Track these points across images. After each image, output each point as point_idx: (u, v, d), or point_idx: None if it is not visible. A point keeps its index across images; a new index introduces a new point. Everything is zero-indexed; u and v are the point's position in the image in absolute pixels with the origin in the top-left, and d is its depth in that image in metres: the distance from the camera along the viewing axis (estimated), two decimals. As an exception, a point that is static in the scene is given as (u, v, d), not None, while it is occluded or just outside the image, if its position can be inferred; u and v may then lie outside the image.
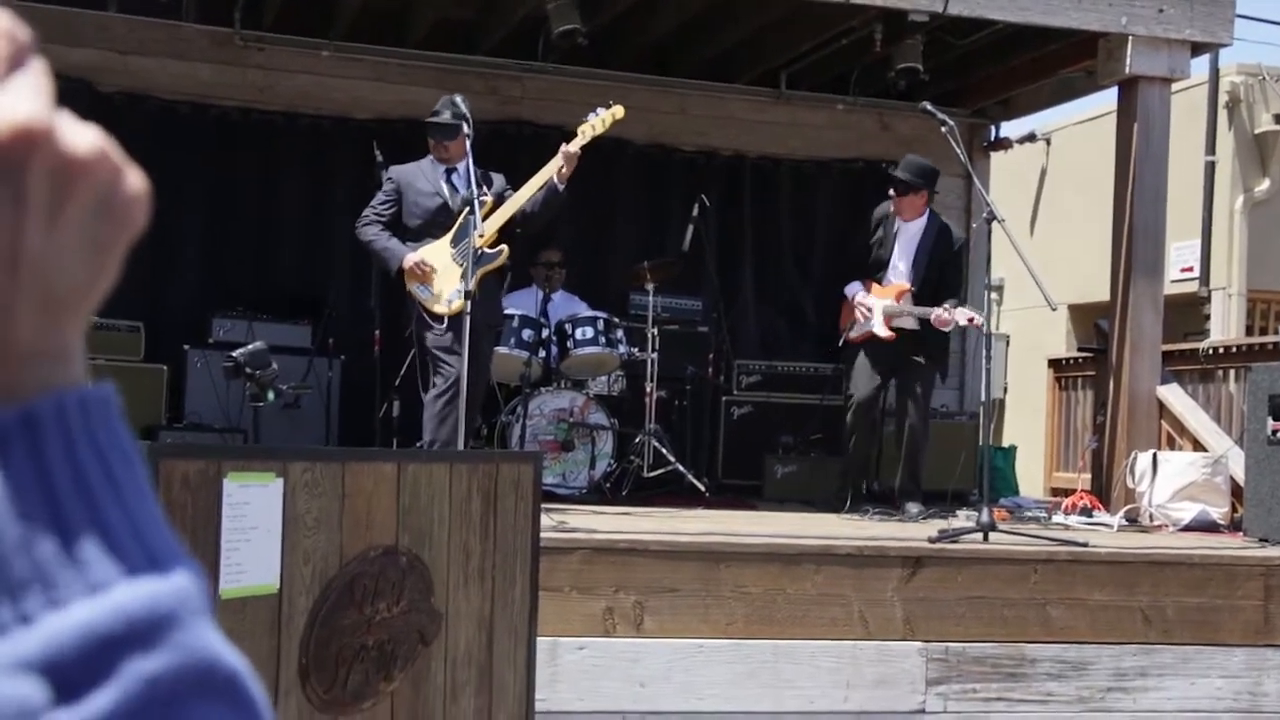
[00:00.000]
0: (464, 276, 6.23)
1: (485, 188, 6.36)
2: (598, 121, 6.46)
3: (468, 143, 6.27)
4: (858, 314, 7.30)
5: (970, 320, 6.91)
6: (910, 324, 7.22)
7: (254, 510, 2.83)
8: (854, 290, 7.36)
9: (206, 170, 8.66)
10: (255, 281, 8.63)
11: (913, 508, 7.11)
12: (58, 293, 0.62)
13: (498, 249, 6.38)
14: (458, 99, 6.56)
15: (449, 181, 6.57)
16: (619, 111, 6.48)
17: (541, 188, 6.41)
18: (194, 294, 8.51)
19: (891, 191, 7.30)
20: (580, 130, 6.46)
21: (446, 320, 6.33)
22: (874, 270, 7.35)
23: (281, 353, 7.77)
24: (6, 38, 0.61)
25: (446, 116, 6.49)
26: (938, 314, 7.04)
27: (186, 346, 7.97)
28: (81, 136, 0.61)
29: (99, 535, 0.61)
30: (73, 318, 0.64)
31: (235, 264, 8.69)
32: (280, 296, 8.48)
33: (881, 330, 7.23)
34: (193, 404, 7.87)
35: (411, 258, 6.45)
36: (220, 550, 2.75)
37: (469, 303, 6.05)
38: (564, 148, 6.36)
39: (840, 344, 7.60)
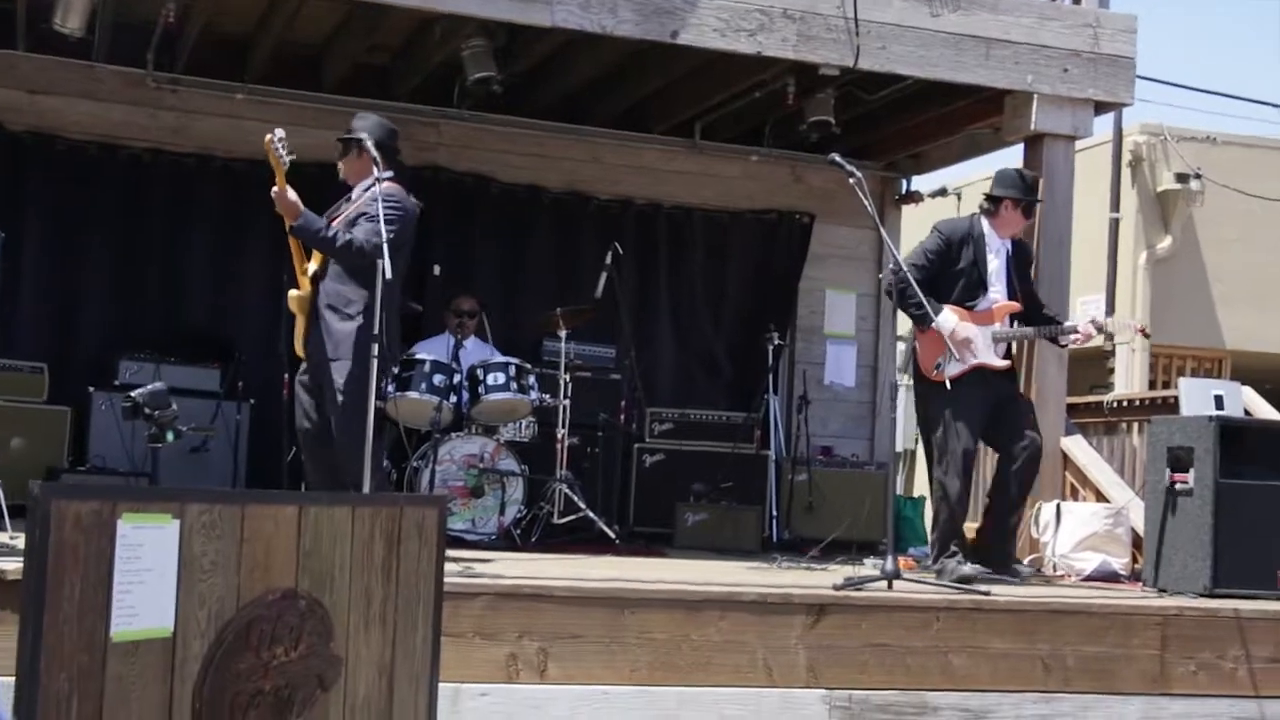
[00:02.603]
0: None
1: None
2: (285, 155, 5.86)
3: (373, 167, 5.98)
4: (954, 349, 6.54)
5: (1141, 330, 6.51)
6: (1002, 350, 6.71)
7: (148, 552, 2.80)
8: (950, 324, 6.54)
9: (116, 211, 8.57)
10: (164, 324, 8.54)
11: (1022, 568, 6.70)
12: None
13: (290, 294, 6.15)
14: (370, 118, 6.26)
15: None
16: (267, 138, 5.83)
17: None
18: (101, 336, 8.41)
19: (986, 207, 6.78)
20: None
21: (302, 363, 6.26)
22: (967, 295, 6.70)
23: (190, 396, 7.71)
24: None
25: (356, 132, 6.16)
26: (1086, 327, 6.61)
27: (91, 389, 7.87)
28: None
29: None
30: None
31: (144, 306, 8.59)
32: (190, 339, 8.40)
33: (995, 359, 6.66)
34: (97, 447, 7.76)
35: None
36: (113, 592, 2.71)
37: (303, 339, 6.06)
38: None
39: (915, 383, 6.78)
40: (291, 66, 8.86)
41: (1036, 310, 6.93)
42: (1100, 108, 8.02)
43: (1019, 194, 6.78)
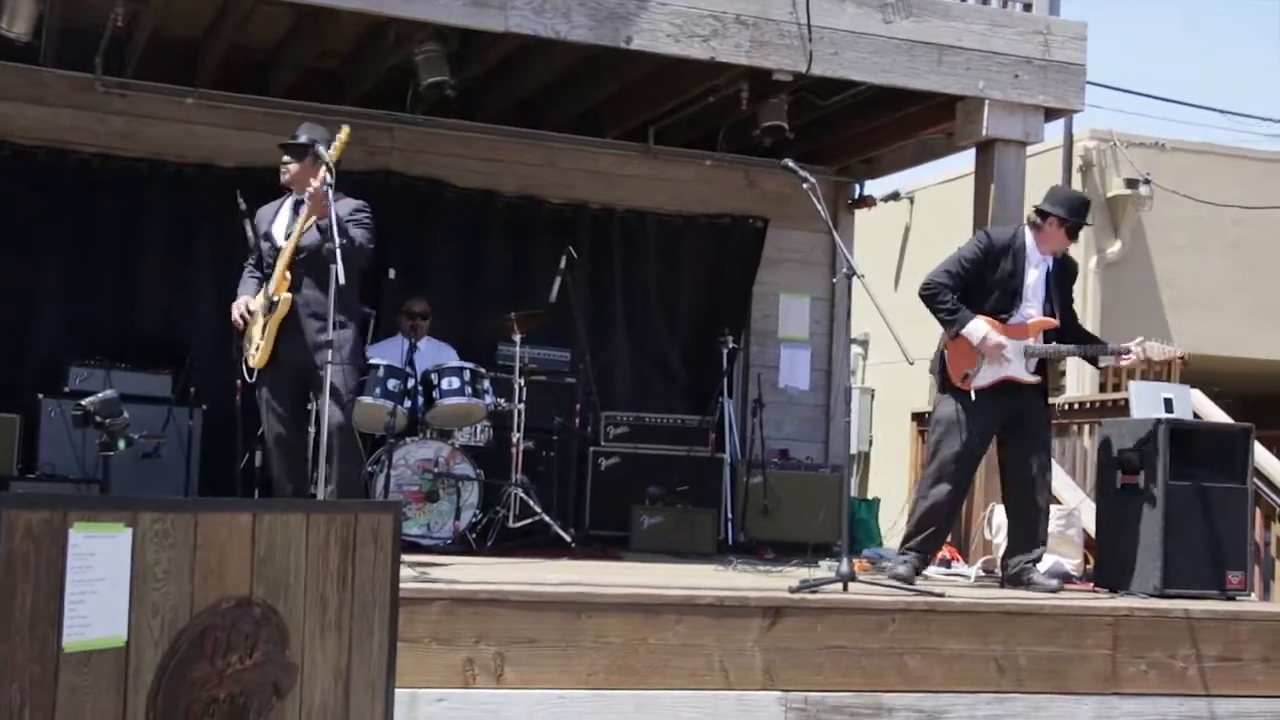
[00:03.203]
0: (262, 329, 6.14)
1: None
2: (333, 150, 5.94)
3: (324, 174, 5.94)
4: (985, 355, 6.50)
5: (1182, 358, 6.41)
6: (1033, 366, 6.62)
7: (101, 561, 2.77)
8: (981, 331, 6.50)
9: (66, 216, 8.48)
10: (115, 330, 8.46)
11: (1041, 571, 6.59)
12: None
13: (281, 296, 6.11)
14: (319, 130, 6.31)
15: (294, 215, 6.28)
16: (344, 133, 5.95)
17: (305, 230, 6.12)
18: (51, 342, 8.33)
19: (1036, 221, 6.67)
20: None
21: (255, 374, 6.22)
22: (1001, 307, 6.60)
23: (141, 402, 7.64)
24: None
25: (301, 138, 6.26)
26: (1135, 349, 6.51)
27: (41, 395, 7.79)
28: None
29: None
30: None
31: (94, 312, 8.51)
32: (141, 345, 8.33)
33: (1024, 373, 6.56)
34: (47, 454, 7.69)
35: (237, 305, 6.28)
36: (65, 602, 2.69)
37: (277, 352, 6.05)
38: (307, 190, 6.05)
39: (941, 391, 6.70)
40: (242, 71, 8.81)
41: (1075, 329, 6.83)
42: (1050, 114, 8.10)
43: (1065, 214, 6.64)
